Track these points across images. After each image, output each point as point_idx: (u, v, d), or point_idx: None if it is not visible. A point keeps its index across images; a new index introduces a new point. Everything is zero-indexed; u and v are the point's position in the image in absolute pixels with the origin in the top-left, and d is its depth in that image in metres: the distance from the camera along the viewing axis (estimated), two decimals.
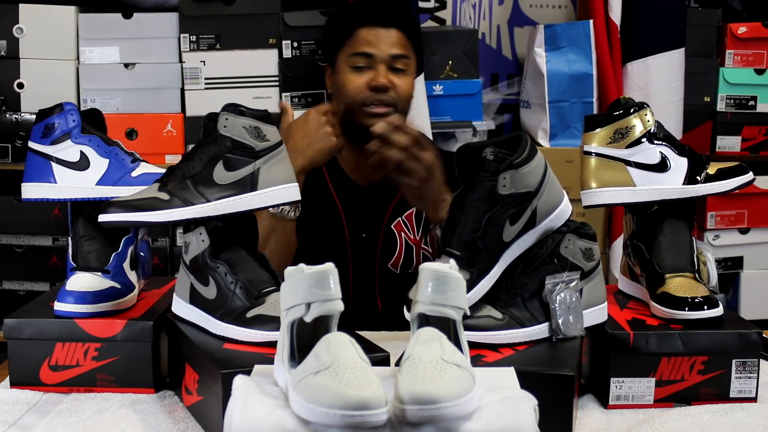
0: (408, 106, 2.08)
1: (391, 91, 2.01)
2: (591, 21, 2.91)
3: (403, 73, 2.04)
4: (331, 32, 2.15)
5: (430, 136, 2.79)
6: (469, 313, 1.19)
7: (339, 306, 1.09)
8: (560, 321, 1.37)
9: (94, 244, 1.55)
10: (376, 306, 2.08)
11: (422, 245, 2.06)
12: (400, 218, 2.07)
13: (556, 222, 1.42)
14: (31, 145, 1.56)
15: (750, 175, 1.60)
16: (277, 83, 2.90)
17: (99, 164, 1.54)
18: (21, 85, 2.89)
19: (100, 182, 1.54)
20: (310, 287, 1.07)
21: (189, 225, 1.42)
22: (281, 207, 1.84)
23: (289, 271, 1.10)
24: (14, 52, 2.88)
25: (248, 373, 1.18)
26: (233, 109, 1.42)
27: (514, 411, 1.06)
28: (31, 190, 1.55)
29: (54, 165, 1.54)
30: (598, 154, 1.55)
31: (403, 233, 2.06)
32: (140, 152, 1.63)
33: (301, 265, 1.09)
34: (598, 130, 1.56)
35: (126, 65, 2.88)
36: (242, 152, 1.40)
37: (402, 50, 2.05)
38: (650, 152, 1.55)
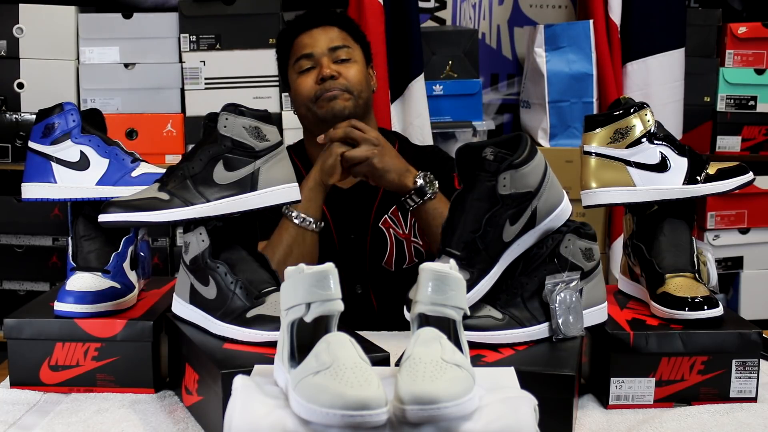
0: (363, 92, 2.08)
1: (340, 78, 2.04)
2: (591, 21, 2.91)
3: (348, 62, 2.08)
4: (278, 55, 2.20)
5: (430, 136, 2.79)
6: (469, 313, 1.19)
7: (339, 306, 1.09)
8: (560, 321, 1.37)
9: (94, 244, 1.55)
10: (371, 306, 2.08)
11: (412, 238, 2.07)
12: (386, 215, 2.08)
13: (556, 222, 1.42)
14: (31, 145, 1.56)
15: (750, 175, 1.60)
16: (277, 83, 2.90)
17: (99, 164, 1.54)
18: (21, 85, 2.89)
19: (100, 182, 1.54)
20: (310, 287, 1.07)
21: (189, 225, 1.42)
22: (305, 218, 1.87)
23: (289, 271, 1.10)
24: (14, 52, 2.88)
25: (248, 373, 1.18)
26: (233, 109, 1.42)
27: (514, 411, 1.06)
28: (31, 190, 1.55)
29: (54, 165, 1.54)
30: (598, 154, 1.55)
31: (391, 230, 2.07)
32: (140, 152, 1.63)
33: (301, 265, 1.09)
34: (598, 130, 1.56)
35: (126, 65, 2.88)
36: (242, 152, 1.40)
37: (341, 41, 2.09)
38: (650, 152, 1.55)
